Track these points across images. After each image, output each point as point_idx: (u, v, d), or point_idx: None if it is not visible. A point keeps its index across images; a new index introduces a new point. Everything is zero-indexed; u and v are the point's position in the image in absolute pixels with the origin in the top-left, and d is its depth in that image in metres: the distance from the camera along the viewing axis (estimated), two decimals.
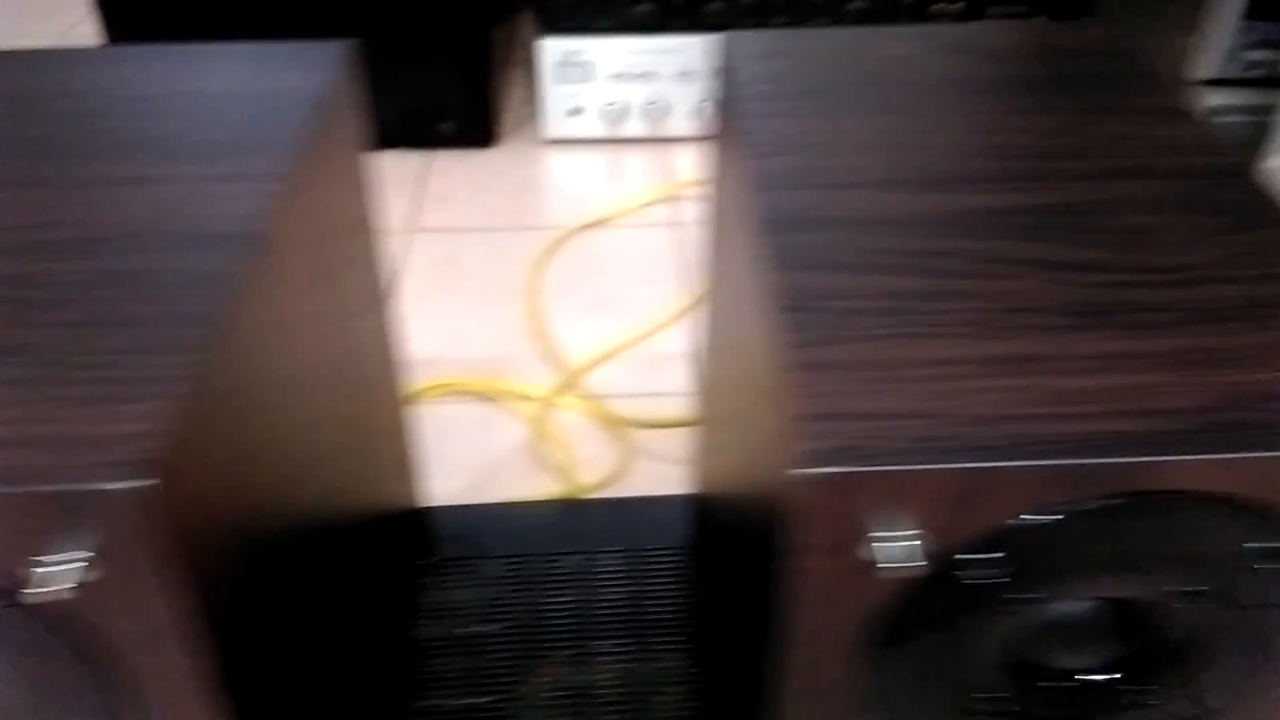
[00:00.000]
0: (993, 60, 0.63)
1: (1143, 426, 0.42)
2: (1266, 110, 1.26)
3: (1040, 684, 0.51)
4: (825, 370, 0.44)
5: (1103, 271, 0.48)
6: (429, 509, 0.93)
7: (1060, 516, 0.41)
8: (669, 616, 0.87)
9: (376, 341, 0.71)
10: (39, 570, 0.36)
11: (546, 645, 0.84)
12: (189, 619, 0.40)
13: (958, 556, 0.42)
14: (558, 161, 1.48)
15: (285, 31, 1.32)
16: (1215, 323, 0.45)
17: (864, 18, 1.38)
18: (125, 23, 1.26)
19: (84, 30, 1.78)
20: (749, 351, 0.54)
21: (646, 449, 1.07)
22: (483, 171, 1.45)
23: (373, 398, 0.71)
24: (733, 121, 0.59)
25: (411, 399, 1.09)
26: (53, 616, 0.38)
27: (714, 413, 0.73)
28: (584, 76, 1.42)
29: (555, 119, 1.46)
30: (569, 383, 1.13)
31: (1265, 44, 1.26)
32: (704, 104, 1.44)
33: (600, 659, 0.84)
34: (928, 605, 0.46)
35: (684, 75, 1.41)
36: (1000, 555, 0.42)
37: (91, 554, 0.37)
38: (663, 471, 1.04)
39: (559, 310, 1.23)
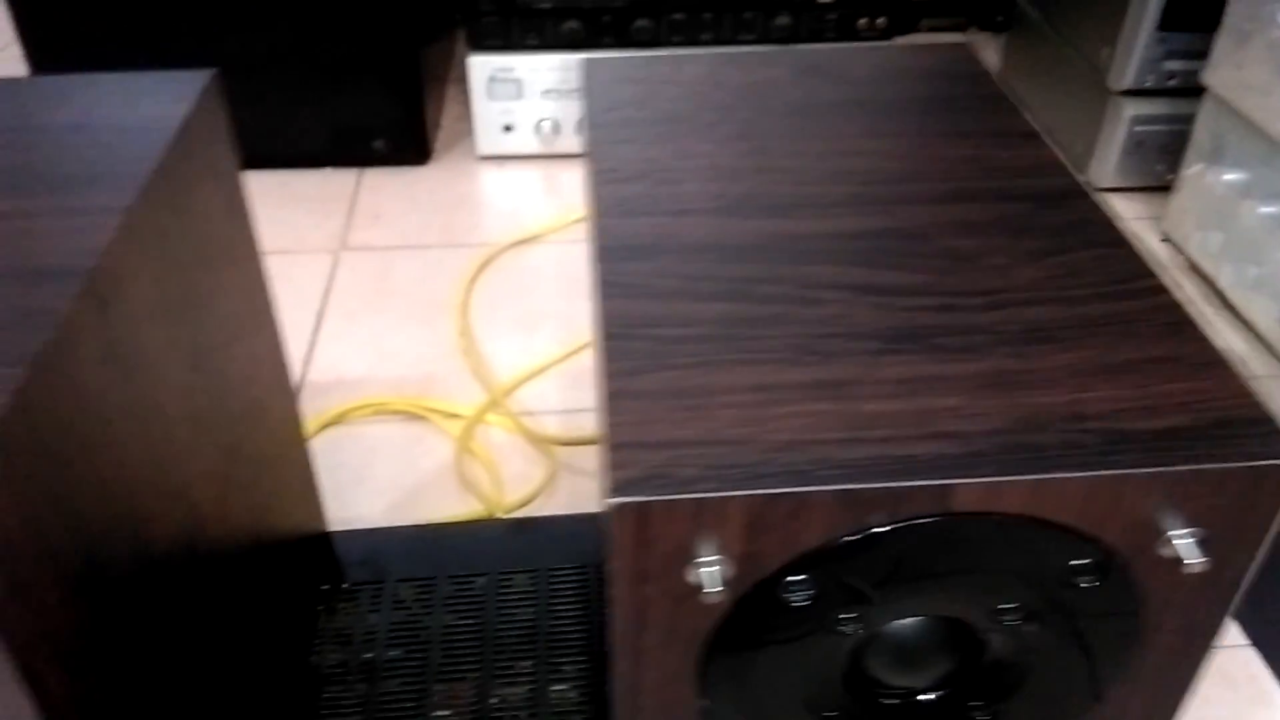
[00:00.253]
0: (854, 84, 0.64)
1: (941, 450, 0.42)
2: (1186, 119, 1.27)
3: (881, 700, 0.52)
4: (640, 399, 0.45)
5: (921, 295, 0.48)
6: (336, 533, 0.93)
7: (858, 538, 0.42)
8: (576, 637, 0.87)
9: (258, 367, 0.72)
10: None
11: (449, 669, 0.85)
12: (18, 664, 0.40)
13: (762, 580, 0.43)
14: (490, 178, 1.48)
15: (213, 54, 1.33)
16: (1021, 345, 0.46)
17: (791, 35, 1.39)
18: (48, 49, 1.27)
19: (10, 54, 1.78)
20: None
21: (573, 465, 1.07)
22: (415, 189, 1.45)
23: (257, 425, 0.71)
24: (588, 147, 0.60)
25: (337, 419, 1.10)
26: None
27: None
28: (515, 94, 1.43)
29: (488, 136, 1.47)
30: (496, 400, 1.13)
31: (1180, 54, 1.28)
32: None
33: (504, 681, 0.84)
34: (752, 627, 0.46)
35: None
36: (804, 578, 0.43)
37: None
38: (589, 488, 1.04)
39: (489, 327, 1.23)
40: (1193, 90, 1.25)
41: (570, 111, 1.44)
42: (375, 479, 1.04)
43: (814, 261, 0.50)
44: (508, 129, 1.46)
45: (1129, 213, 1.41)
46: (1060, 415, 0.43)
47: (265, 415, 0.73)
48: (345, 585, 0.90)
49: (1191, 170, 1.23)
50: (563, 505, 1.04)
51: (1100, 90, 1.36)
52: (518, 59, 1.40)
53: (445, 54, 1.67)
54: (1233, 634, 0.88)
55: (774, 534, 0.43)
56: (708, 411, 0.44)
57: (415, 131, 1.43)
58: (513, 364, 1.18)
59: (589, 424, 1.10)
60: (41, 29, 1.25)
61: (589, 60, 0.63)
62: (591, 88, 0.62)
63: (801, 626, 0.46)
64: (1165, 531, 0.44)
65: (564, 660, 0.85)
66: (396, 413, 1.12)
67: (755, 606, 0.45)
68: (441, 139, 1.56)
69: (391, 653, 0.85)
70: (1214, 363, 0.46)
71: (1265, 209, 1.10)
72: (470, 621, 0.88)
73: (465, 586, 0.91)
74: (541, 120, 1.45)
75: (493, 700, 0.83)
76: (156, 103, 0.60)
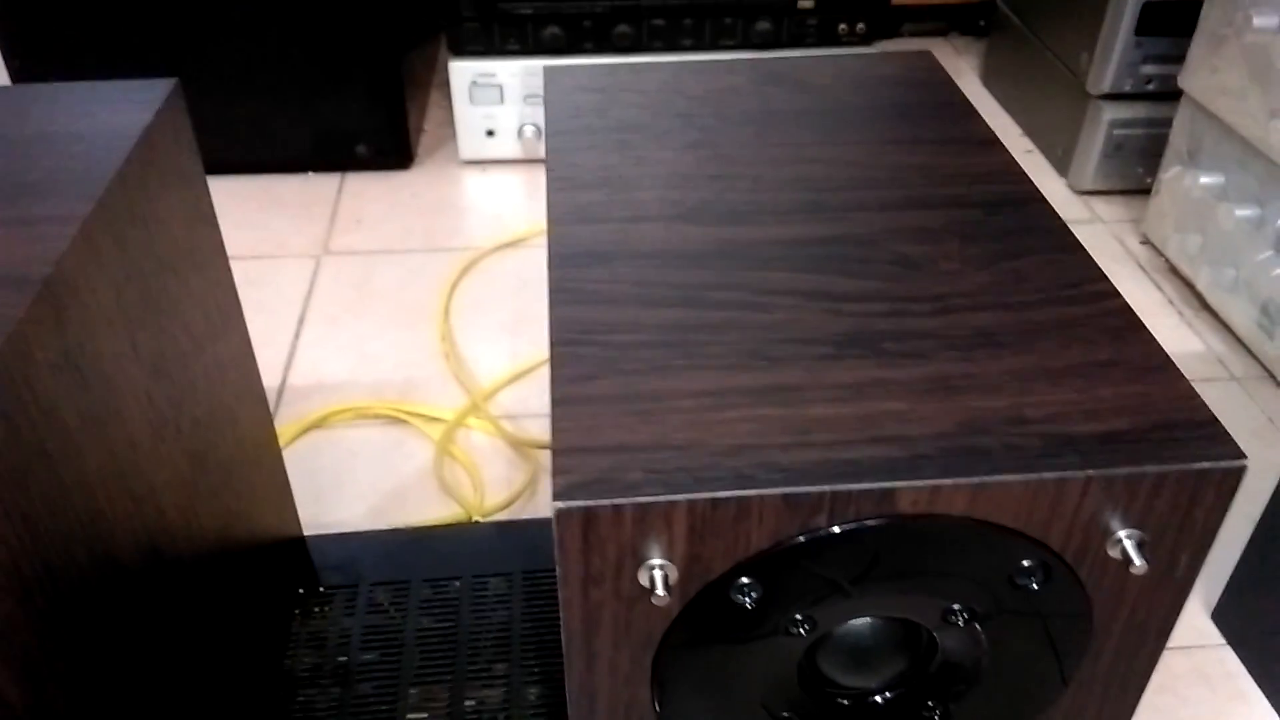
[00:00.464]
0: (815, 92, 0.64)
1: (885, 453, 0.43)
2: (1164, 123, 1.28)
3: (837, 700, 0.52)
4: (588, 404, 0.45)
5: (871, 301, 0.49)
6: (311, 538, 0.93)
7: (804, 541, 0.43)
8: (551, 639, 0.88)
9: (226, 373, 0.72)
10: None
11: (424, 672, 0.85)
12: None
13: (711, 582, 0.43)
14: (473, 183, 1.49)
15: (197, 61, 1.33)
16: (967, 350, 0.46)
17: (772, 40, 1.39)
18: (29, 58, 1.27)
19: None
20: None
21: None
22: (398, 193, 1.46)
23: (225, 431, 0.72)
24: (547, 155, 0.60)
25: (318, 423, 1.10)
26: None
27: None
28: (497, 99, 1.43)
29: (471, 141, 1.47)
30: (477, 404, 1.14)
31: (1157, 59, 1.29)
32: None
33: (479, 684, 0.84)
34: (704, 629, 0.47)
35: None
36: (752, 581, 0.43)
37: None
38: None
39: (471, 331, 1.24)
40: (1170, 94, 1.26)
41: None
42: (356, 483, 1.05)
43: (766, 268, 0.51)
44: (490, 134, 1.46)
45: (1109, 215, 1.42)
46: (1003, 419, 0.44)
47: (234, 421, 0.74)
48: (320, 589, 0.90)
49: (1169, 173, 1.23)
50: (543, 509, 1.04)
51: (1080, 94, 1.37)
52: (499, 64, 1.40)
53: (427, 59, 1.68)
54: (1210, 633, 0.88)
55: (720, 537, 0.43)
56: (656, 416, 0.45)
57: (398, 136, 1.44)
58: (494, 368, 1.18)
59: None
60: (22, 39, 1.26)
61: (549, 68, 0.63)
62: (552, 95, 0.63)
63: (752, 629, 0.46)
64: (1110, 534, 0.45)
65: (539, 663, 0.86)
66: (378, 417, 1.13)
67: (705, 609, 0.46)
68: (424, 144, 1.56)
69: (366, 656, 0.85)
70: (1159, 366, 0.47)
71: (1241, 212, 1.11)
72: (445, 625, 0.88)
73: (441, 590, 0.91)
74: (523, 125, 1.45)
75: (468, 703, 0.83)
76: (118, 112, 0.60)
